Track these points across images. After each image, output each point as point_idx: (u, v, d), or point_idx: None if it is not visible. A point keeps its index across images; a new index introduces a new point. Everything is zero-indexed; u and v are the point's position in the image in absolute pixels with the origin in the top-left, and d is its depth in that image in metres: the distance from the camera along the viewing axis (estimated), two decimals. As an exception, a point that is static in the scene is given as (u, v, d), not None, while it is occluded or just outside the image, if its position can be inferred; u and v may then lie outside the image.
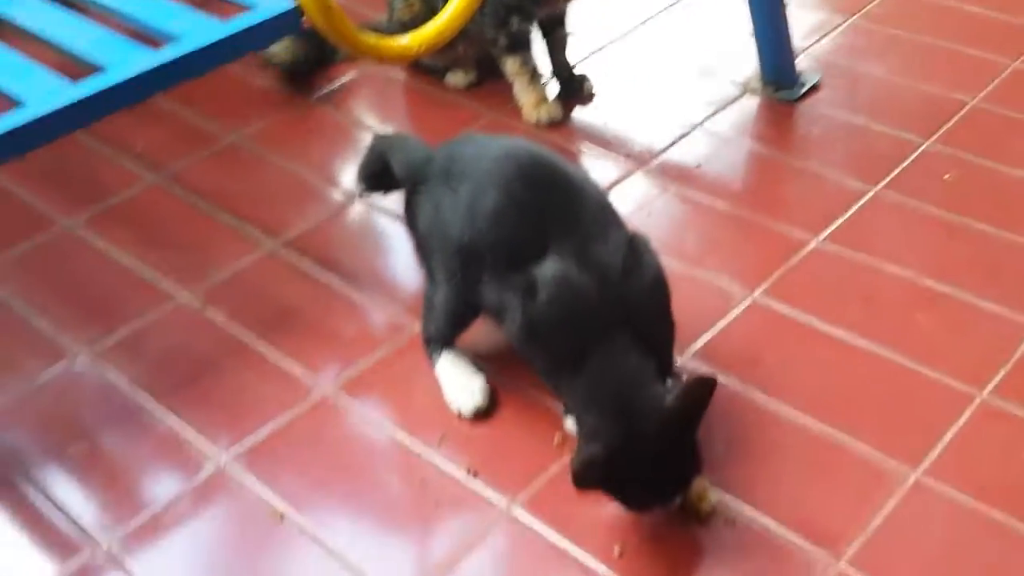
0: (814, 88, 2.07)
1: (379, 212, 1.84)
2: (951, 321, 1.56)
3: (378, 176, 1.58)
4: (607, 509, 1.30)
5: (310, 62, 2.17)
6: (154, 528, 1.35)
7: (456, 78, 2.15)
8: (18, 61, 1.56)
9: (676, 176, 1.89)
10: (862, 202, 1.79)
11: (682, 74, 2.16)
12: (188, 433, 1.47)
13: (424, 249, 1.49)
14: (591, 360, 1.27)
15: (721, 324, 1.58)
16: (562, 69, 2.12)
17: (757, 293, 1.63)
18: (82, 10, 1.73)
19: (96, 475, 1.43)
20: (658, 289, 1.36)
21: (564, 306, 1.30)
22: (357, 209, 1.86)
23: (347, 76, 2.22)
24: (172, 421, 1.48)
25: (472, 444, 1.42)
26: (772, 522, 1.30)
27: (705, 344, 1.55)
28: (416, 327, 1.57)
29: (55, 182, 1.98)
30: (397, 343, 1.58)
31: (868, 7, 2.31)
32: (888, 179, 1.83)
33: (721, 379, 1.48)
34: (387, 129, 2.07)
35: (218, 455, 1.43)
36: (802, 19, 2.24)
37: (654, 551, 1.28)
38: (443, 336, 1.50)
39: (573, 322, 1.30)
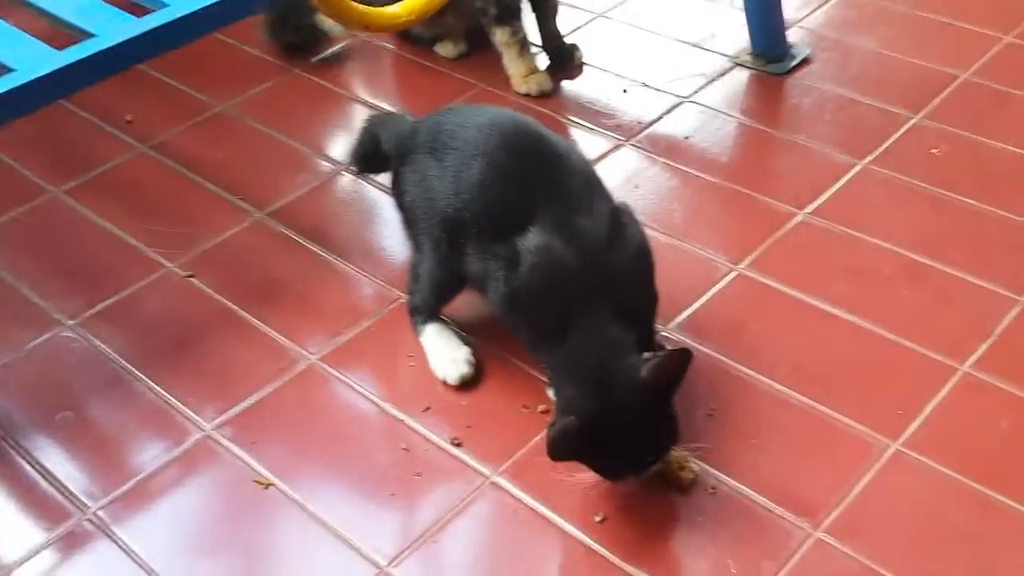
0: (804, 61, 2.06)
1: (367, 183, 1.84)
2: (934, 294, 1.57)
3: (370, 156, 1.58)
4: (589, 478, 1.31)
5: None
6: (140, 495, 1.36)
7: (446, 49, 2.14)
8: (4, 28, 1.55)
9: (664, 148, 1.89)
10: (850, 175, 1.79)
11: (672, 46, 2.15)
12: (174, 401, 1.47)
13: (410, 220, 1.49)
14: (572, 330, 1.28)
15: (707, 296, 1.59)
16: (552, 39, 2.11)
17: (743, 265, 1.63)
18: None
19: (83, 443, 1.43)
20: (641, 260, 1.37)
21: (547, 276, 1.30)
22: (345, 179, 1.86)
23: (337, 46, 2.21)
24: (158, 390, 1.49)
25: (456, 413, 1.43)
26: (752, 492, 1.31)
27: (690, 315, 1.55)
28: (403, 298, 1.57)
29: (43, 151, 1.97)
30: (383, 313, 1.59)
31: (860, -20, 2.31)
32: (876, 153, 1.84)
33: (705, 350, 1.49)
34: (375, 99, 2.07)
35: (204, 423, 1.44)
36: (794, -9, 2.24)
37: (635, 519, 1.29)
38: (428, 307, 1.50)
39: (555, 292, 1.30)
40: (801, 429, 1.39)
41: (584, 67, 2.11)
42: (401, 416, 1.44)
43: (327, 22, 2.12)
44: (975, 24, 2.14)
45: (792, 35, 2.11)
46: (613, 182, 1.75)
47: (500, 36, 2.02)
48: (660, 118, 1.96)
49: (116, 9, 1.56)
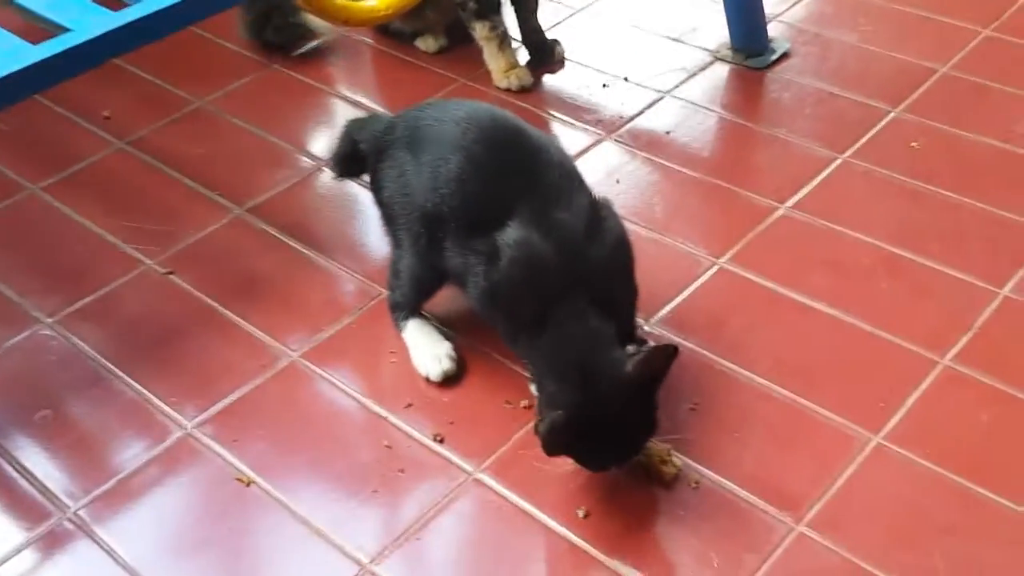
0: (784, 56, 2.07)
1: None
2: (915, 287, 1.57)
3: (350, 158, 1.57)
4: (572, 473, 1.31)
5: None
6: (121, 494, 1.35)
7: (426, 43, 2.14)
8: (-22, 23, 1.54)
9: (645, 143, 1.89)
10: (830, 169, 1.80)
11: (653, 41, 2.15)
12: (154, 400, 1.46)
13: (389, 216, 1.48)
14: (552, 324, 1.28)
15: (689, 290, 1.59)
16: (532, 34, 2.11)
17: (724, 259, 1.64)
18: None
19: (63, 442, 1.42)
20: (620, 253, 1.37)
21: (526, 270, 1.30)
22: (325, 175, 1.85)
23: (316, 41, 2.20)
24: (138, 388, 1.48)
25: (439, 410, 1.43)
26: (735, 486, 1.31)
27: (672, 309, 1.56)
28: (384, 293, 1.57)
29: (19, 147, 1.95)
30: (365, 310, 1.58)
31: (840, -26, 2.31)
32: (856, 147, 1.84)
33: (688, 344, 1.49)
34: (355, 94, 2.06)
35: (184, 421, 1.43)
36: (774, -14, 2.24)
37: (618, 513, 1.29)
38: (409, 303, 1.50)
39: (535, 286, 1.30)
40: (783, 423, 1.39)
41: (565, 62, 2.11)
42: (383, 413, 1.43)
43: (313, 19, 2.11)
44: (954, 18, 2.15)
45: (772, 30, 2.12)
46: (594, 177, 1.76)
47: (480, 31, 2.01)
48: (641, 113, 1.96)
49: (92, 3, 1.55)
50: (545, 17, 2.15)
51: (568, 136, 1.91)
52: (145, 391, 1.48)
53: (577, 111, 1.98)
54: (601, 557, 1.25)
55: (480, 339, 1.50)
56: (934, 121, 1.89)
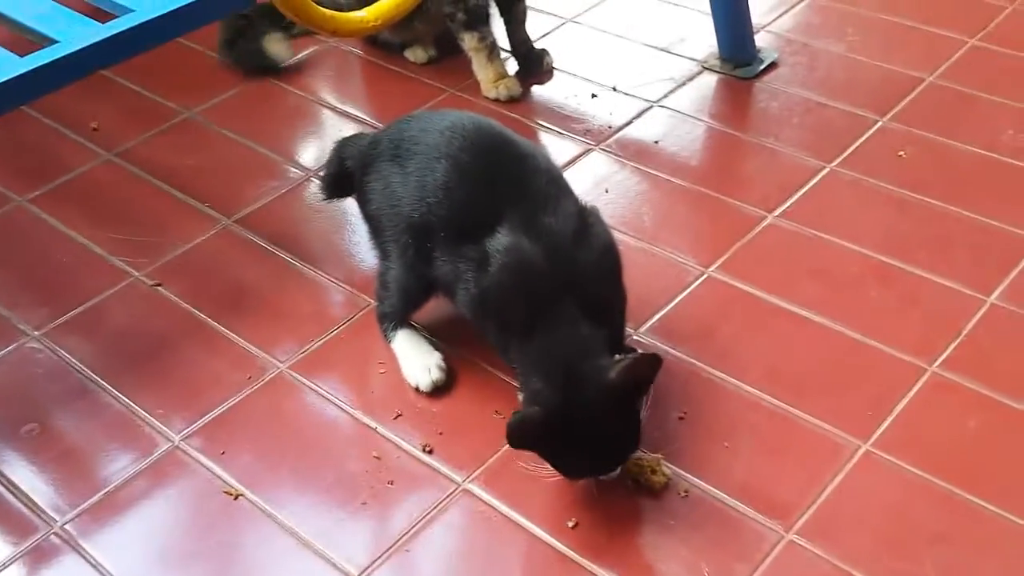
0: (772, 65, 2.08)
1: (336, 189, 1.82)
2: (902, 295, 1.58)
3: (338, 177, 1.58)
4: (562, 483, 1.30)
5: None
6: (108, 508, 1.35)
7: (415, 54, 2.14)
8: (-36, 35, 1.54)
9: (634, 153, 1.89)
10: (818, 178, 1.80)
11: (641, 51, 2.16)
12: (142, 412, 1.46)
13: (376, 228, 1.48)
14: (542, 329, 1.28)
15: (677, 299, 1.59)
16: (521, 44, 2.11)
17: (713, 268, 1.64)
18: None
19: (49, 455, 1.41)
20: (608, 259, 1.37)
21: (516, 276, 1.30)
22: (314, 186, 1.85)
23: (305, 51, 2.20)
24: (126, 400, 1.47)
25: (428, 420, 1.43)
26: (724, 495, 1.31)
27: (661, 319, 1.56)
28: (373, 304, 1.56)
29: (6, 158, 1.95)
30: (353, 320, 1.58)
31: (827, -16, 2.32)
32: (844, 156, 1.85)
33: (676, 353, 1.49)
34: (343, 105, 2.06)
35: (172, 434, 1.43)
36: (761, -4, 2.25)
37: (608, 523, 1.29)
38: (398, 313, 1.50)
39: (525, 291, 1.30)
40: (772, 431, 1.39)
41: (553, 72, 2.11)
42: (372, 424, 1.43)
43: (272, 47, 2.10)
44: (940, 27, 2.16)
45: (760, 39, 2.12)
46: (583, 187, 1.76)
47: (469, 41, 2.02)
48: (630, 122, 1.96)
49: (79, 15, 1.55)
50: (534, 27, 2.16)
51: (557, 146, 1.91)
52: (132, 404, 1.47)
53: (566, 121, 1.98)
54: (591, 567, 1.25)
55: (469, 349, 1.49)
56: (921, 130, 1.90)
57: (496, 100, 2.02)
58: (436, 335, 1.52)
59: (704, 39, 2.12)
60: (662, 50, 2.15)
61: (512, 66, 2.12)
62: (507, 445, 1.35)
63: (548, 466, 1.27)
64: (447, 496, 1.33)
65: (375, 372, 1.50)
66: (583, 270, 1.32)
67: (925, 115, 1.93)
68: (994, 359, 1.47)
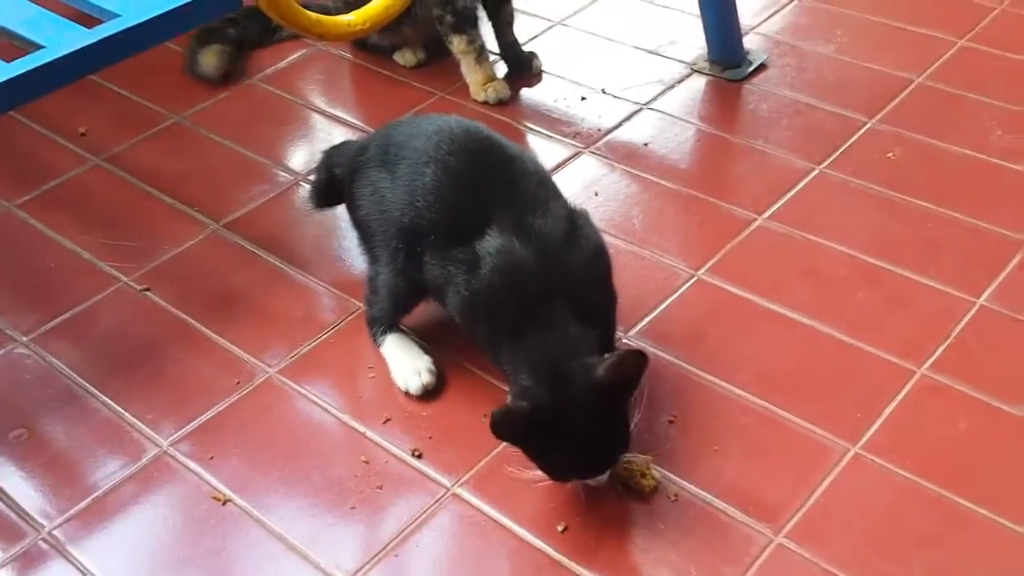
0: (761, 67, 2.08)
1: (326, 193, 1.82)
2: (891, 297, 1.58)
3: (327, 186, 1.58)
4: (551, 487, 1.30)
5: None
6: (97, 513, 1.34)
7: (404, 57, 2.14)
8: (-50, 40, 1.53)
9: (624, 155, 1.89)
10: (807, 180, 1.80)
11: (630, 53, 2.16)
12: (130, 417, 1.45)
13: (365, 234, 1.48)
14: (532, 330, 1.28)
15: (667, 302, 1.59)
16: (509, 47, 2.11)
17: (702, 271, 1.64)
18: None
19: (37, 461, 1.41)
20: (598, 261, 1.37)
21: (507, 278, 1.30)
22: (303, 190, 1.85)
23: (293, 55, 2.20)
24: (114, 406, 1.47)
25: (417, 424, 1.42)
26: (714, 498, 1.31)
27: (651, 321, 1.56)
28: (362, 308, 1.56)
29: (-6, 164, 1.95)
30: (342, 324, 1.58)
31: (816, -14, 2.33)
32: (833, 157, 1.85)
33: (666, 356, 1.49)
34: (333, 109, 2.06)
35: (160, 439, 1.42)
36: (750, -2, 2.25)
37: (597, 528, 1.29)
38: (387, 317, 1.49)
39: (516, 293, 1.30)
40: (762, 434, 1.39)
41: (543, 75, 2.11)
42: (361, 428, 1.43)
43: (204, 59, 2.09)
44: (929, 28, 2.16)
45: (749, 42, 2.12)
46: (573, 189, 1.76)
47: (457, 44, 2.02)
48: (619, 125, 1.96)
49: (66, 20, 1.54)
50: (522, 30, 2.16)
51: (546, 149, 1.91)
52: (121, 409, 1.46)
53: (555, 124, 1.98)
54: (580, 571, 1.25)
55: (459, 353, 1.49)
56: (910, 131, 1.90)
57: (485, 103, 2.02)
58: (426, 339, 1.52)
59: (693, 41, 2.12)
60: (651, 52, 2.15)
61: (501, 69, 2.11)
62: (496, 449, 1.36)
63: (536, 470, 1.26)
64: (436, 500, 1.33)
65: (364, 376, 1.50)
66: (574, 272, 1.33)
67: (914, 116, 1.93)
68: (983, 361, 1.47)
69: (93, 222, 1.79)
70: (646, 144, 1.92)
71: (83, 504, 1.35)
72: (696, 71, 2.08)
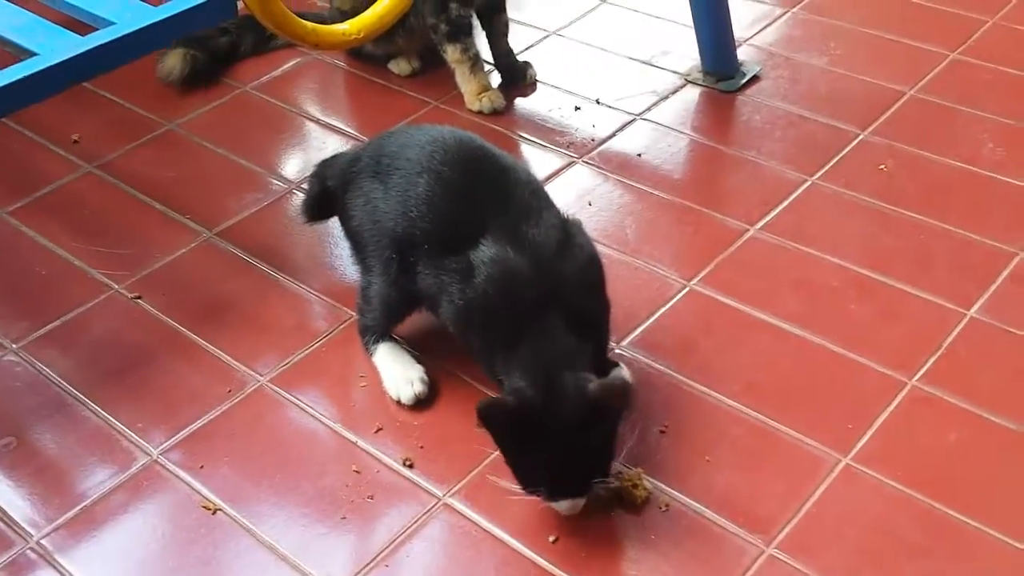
0: (754, 79, 2.08)
1: (319, 201, 1.82)
2: (883, 309, 1.58)
3: (320, 199, 1.58)
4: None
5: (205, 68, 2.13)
6: (86, 523, 1.33)
7: (399, 66, 2.14)
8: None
9: (617, 165, 1.89)
10: (799, 192, 1.81)
11: (624, 64, 2.16)
12: (120, 426, 1.45)
13: (358, 244, 1.48)
14: (525, 340, 1.28)
15: (659, 312, 1.59)
16: (503, 57, 2.12)
17: (695, 281, 1.64)
18: (11, -6, 1.70)
19: (26, 469, 1.40)
20: (591, 270, 1.37)
21: (502, 287, 1.30)
22: (296, 198, 1.85)
23: (288, 63, 2.20)
24: (104, 414, 1.46)
25: (409, 434, 1.42)
26: (705, 509, 1.31)
27: (643, 332, 1.56)
28: (354, 316, 1.56)
29: (-14, 171, 1.94)
30: (334, 333, 1.57)
31: (809, -2, 2.34)
32: (825, 169, 1.85)
33: (658, 367, 1.49)
34: (327, 117, 2.06)
35: (151, 448, 1.42)
36: (743, 10, 2.26)
37: (589, 538, 1.29)
38: (380, 326, 1.49)
39: (511, 302, 1.30)
40: (753, 445, 1.39)
41: (537, 85, 2.11)
42: (353, 438, 1.42)
43: (163, 68, 2.08)
44: (922, 41, 2.17)
45: (742, 53, 2.13)
46: (566, 199, 1.77)
47: (452, 54, 2.02)
48: (613, 135, 1.97)
49: (59, 27, 1.54)
50: (517, 40, 2.16)
51: (540, 158, 1.91)
52: (111, 417, 1.46)
53: (549, 134, 1.98)
54: (571, 582, 1.25)
55: (451, 363, 1.49)
56: (902, 143, 1.90)
57: (480, 112, 2.02)
58: (418, 348, 1.51)
59: (687, 52, 2.13)
60: (645, 63, 2.16)
61: (496, 79, 2.12)
62: (488, 459, 1.36)
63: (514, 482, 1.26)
64: (427, 511, 1.33)
65: (356, 385, 1.50)
66: (567, 282, 1.33)
67: (906, 129, 1.94)
68: (974, 373, 1.47)
69: (85, 229, 1.79)
70: (639, 154, 1.92)
71: (72, 513, 1.34)
72: (690, 82, 2.09)
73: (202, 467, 1.39)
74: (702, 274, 1.65)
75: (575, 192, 1.83)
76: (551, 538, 1.28)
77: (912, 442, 1.39)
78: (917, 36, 2.19)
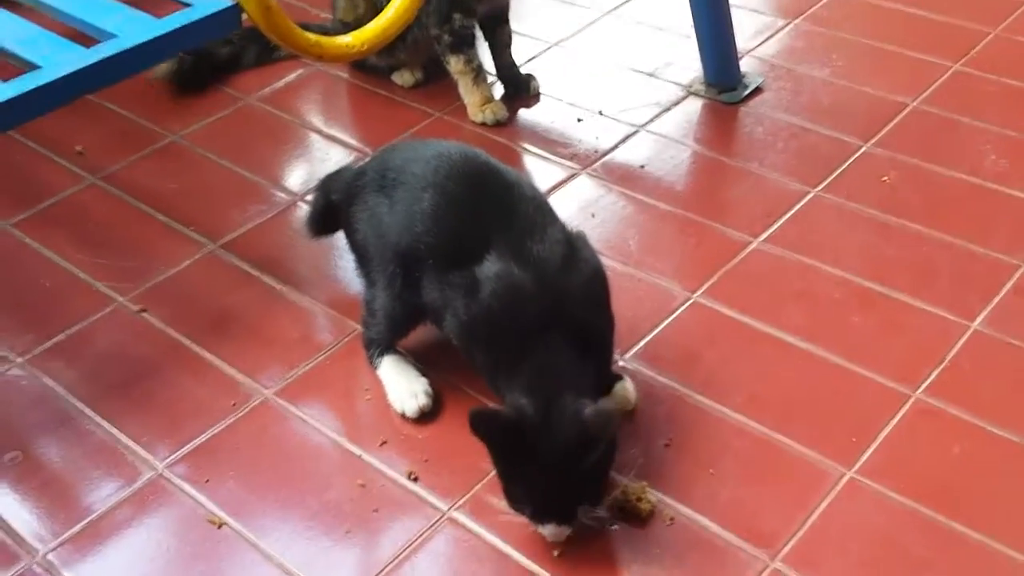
0: (757, 90, 2.09)
1: (322, 213, 1.82)
2: (886, 321, 1.58)
3: (324, 213, 1.59)
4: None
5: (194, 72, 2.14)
6: (91, 537, 1.34)
7: (402, 78, 2.14)
8: (-52, 60, 1.54)
9: (620, 177, 1.90)
10: (802, 203, 1.81)
11: (627, 76, 2.17)
12: (125, 440, 1.45)
13: (363, 257, 1.49)
14: (531, 355, 1.28)
15: (663, 324, 1.59)
16: (506, 68, 2.12)
17: (698, 293, 1.64)
18: (15, 7, 1.70)
19: (32, 484, 1.40)
20: (596, 284, 1.37)
21: (507, 302, 1.30)
22: (300, 210, 1.85)
23: (291, 75, 2.20)
24: (109, 428, 1.47)
25: (413, 447, 1.42)
26: (710, 522, 1.31)
27: (646, 344, 1.56)
28: (359, 329, 1.56)
29: (-9, 183, 1.95)
30: (339, 346, 1.58)
31: (812, 9, 2.34)
32: (828, 181, 1.86)
33: (662, 379, 1.50)
34: (330, 128, 2.06)
35: (156, 462, 1.42)
36: (746, 22, 2.26)
37: (593, 552, 1.29)
38: (384, 340, 1.50)
39: (515, 318, 1.30)
40: (757, 458, 1.39)
41: (540, 96, 2.12)
42: (357, 451, 1.42)
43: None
44: (924, 53, 2.18)
45: (745, 65, 2.13)
46: (569, 211, 1.77)
47: (455, 65, 2.02)
48: (616, 147, 1.97)
49: (63, 40, 1.55)
50: (520, 52, 2.17)
51: (543, 170, 1.92)
52: (116, 431, 1.46)
53: (552, 145, 1.99)
54: (576, 596, 1.25)
55: (456, 376, 1.49)
56: (905, 155, 1.91)
57: (483, 124, 2.03)
58: (423, 361, 1.52)
59: (689, 64, 2.14)
60: (648, 75, 2.16)
61: (499, 90, 2.12)
62: (492, 473, 1.36)
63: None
64: (432, 524, 1.33)
65: (361, 398, 1.50)
66: (572, 296, 1.33)
67: (909, 140, 1.94)
68: (978, 385, 1.47)
69: (89, 241, 1.79)
70: (642, 166, 1.92)
71: (78, 528, 1.34)
72: (692, 94, 2.09)
73: (207, 481, 1.39)
74: (705, 286, 1.65)
75: (578, 204, 1.83)
76: (555, 552, 1.28)
77: (916, 455, 1.39)
78: (920, 48, 2.19)
